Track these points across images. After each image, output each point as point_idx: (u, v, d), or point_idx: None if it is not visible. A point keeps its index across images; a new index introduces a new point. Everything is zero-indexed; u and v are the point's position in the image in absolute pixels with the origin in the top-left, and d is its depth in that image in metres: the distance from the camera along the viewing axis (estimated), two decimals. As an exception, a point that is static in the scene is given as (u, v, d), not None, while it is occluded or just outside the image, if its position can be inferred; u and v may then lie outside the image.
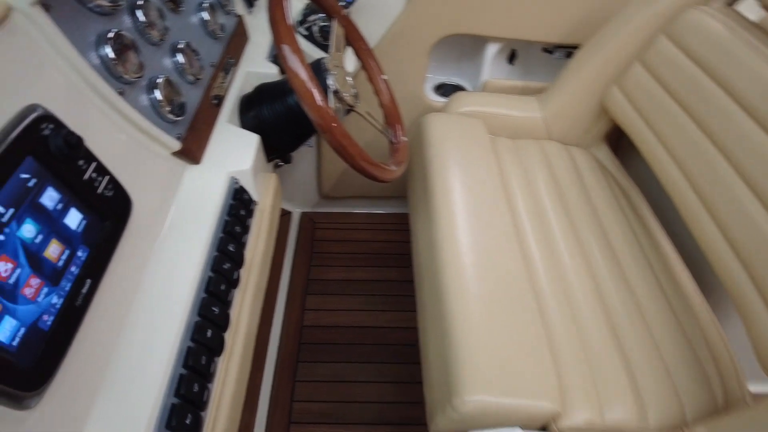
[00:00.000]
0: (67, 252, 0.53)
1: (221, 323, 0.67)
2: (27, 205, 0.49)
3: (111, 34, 0.66)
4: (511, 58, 1.56)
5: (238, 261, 0.75)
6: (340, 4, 1.20)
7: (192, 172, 0.79)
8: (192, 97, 0.84)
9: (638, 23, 1.19)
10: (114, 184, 0.60)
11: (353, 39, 1.07)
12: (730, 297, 0.90)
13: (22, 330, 0.46)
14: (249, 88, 1.02)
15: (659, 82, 1.12)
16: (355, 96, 0.97)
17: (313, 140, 1.68)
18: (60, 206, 0.53)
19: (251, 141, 0.89)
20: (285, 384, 1.40)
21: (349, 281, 1.64)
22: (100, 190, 0.58)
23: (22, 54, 0.54)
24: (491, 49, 1.47)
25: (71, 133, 0.53)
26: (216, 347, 0.65)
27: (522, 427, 0.83)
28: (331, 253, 1.72)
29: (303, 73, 0.75)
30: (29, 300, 0.48)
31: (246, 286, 0.78)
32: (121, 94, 0.66)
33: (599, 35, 1.27)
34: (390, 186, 1.75)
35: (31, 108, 0.51)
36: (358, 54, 1.08)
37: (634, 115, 1.18)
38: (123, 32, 0.68)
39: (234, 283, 0.73)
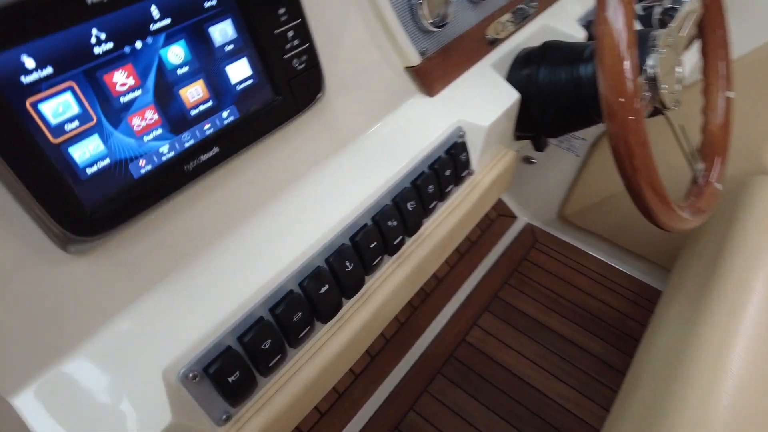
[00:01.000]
0: (209, 104, 0.41)
1: (347, 286, 0.50)
2: (190, 25, 0.38)
3: None
4: None
5: (410, 226, 0.56)
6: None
7: (415, 102, 0.63)
8: (463, 18, 0.66)
9: None
10: (311, 57, 0.47)
11: (710, 28, 0.74)
12: None
13: (106, 162, 0.36)
14: (536, 44, 0.79)
15: None
16: (676, 98, 0.65)
17: (582, 147, 1.37)
18: (230, 48, 0.41)
19: (508, 97, 0.68)
20: (413, 386, 1.21)
21: (540, 324, 1.33)
22: (288, 56, 0.45)
23: None
24: None
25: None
26: (323, 311, 0.48)
27: None
28: (537, 283, 1.42)
29: (621, 33, 0.49)
30: (133, 132, 0.37)
31: (405, 259, 0.59)
32: None
33: None
34: (650, 243, 1.33)
35: None
36: (706, 50, 0.75)
37: None
38: None
39: (392, 249, 0.55)
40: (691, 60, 0.99)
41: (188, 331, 0.41)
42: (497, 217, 1.59)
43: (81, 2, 0.32)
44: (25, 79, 0.31)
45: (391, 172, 0.54)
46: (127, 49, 0.35)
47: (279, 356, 0.45)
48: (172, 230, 0.42)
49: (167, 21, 0.37)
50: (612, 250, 1.44)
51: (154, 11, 0.36)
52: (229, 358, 0.41)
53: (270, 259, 0.45)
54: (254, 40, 0.42)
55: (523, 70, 0.74)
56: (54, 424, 0.36)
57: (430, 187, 0.57)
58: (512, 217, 1.59)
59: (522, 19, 0.77)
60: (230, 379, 0.41)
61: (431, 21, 0.59)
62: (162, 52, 0.37)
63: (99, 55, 0.34)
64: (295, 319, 0.45)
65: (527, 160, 1.50)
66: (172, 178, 0.40)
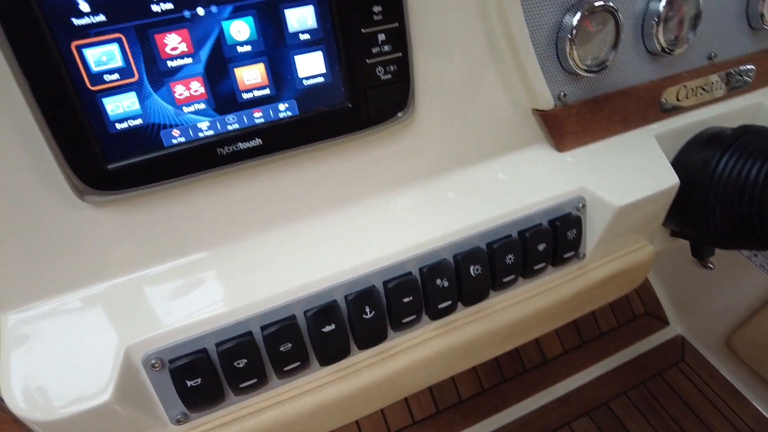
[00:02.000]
0: (266, 91, 0.37)
1: (359, 334, 0.43)
2: (263, 2, 0.35)
3: None
4: None
5: (466, 293, 0.46)
6: None
7: (536, 152, 0.52)
8: (630, 70, 0.53)
9: None
10: (401, 69, 0.41)
11: None
12: None
13: (138, 122, 0.35)
14: (733, 125, 0.61)
15: None
16: None
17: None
18: (305, 37, 0.37)
19: (662, 180, 0.52)
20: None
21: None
22: (373, 61, 0.39)
23: None
24: None
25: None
26: (322, 351, 0.42)
27: None
28: (663, 409, 1.15)
29: None
30: (173, 99, 0.35)
31: (453, 329, 0.49)
32: None
33: None
34: None
35: None
36: None
37: None
38: None
39: (433, 312, 0.46)
40: None
41: (176, 317, 0.38)
42: (644, 314, 1.33)
43: (146, -45, 0.31)
44: (77, 21, 0.31)
45: (461, 224, 0.45)
46: (186, 13, 0.33)
47: (254, 380, 0.40)
48: (190, 211, 0.39)
49: (239, -8, 0.34)
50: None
51: (226, -21, 0.33)
52: (197, 360, 0.38)
53: (281, 276, 0.40)
54: (336, 35, 0.38)
55: (701, 153, 0.57)
56: (19, 355, 0.36)
57: (510, 256, 0.46)
58: (663, 322, 1.32)
59: (726, 89, 0.60)
60: (189, 383, 0.38)
61: (582, 62, 0.48)
62: (225, 24, 0.35)
63: (156, 13, 0.33)
64: (282, 349, 0.40)
65: (703, 261, 1.22)
66: (204, 157, 0.37)
